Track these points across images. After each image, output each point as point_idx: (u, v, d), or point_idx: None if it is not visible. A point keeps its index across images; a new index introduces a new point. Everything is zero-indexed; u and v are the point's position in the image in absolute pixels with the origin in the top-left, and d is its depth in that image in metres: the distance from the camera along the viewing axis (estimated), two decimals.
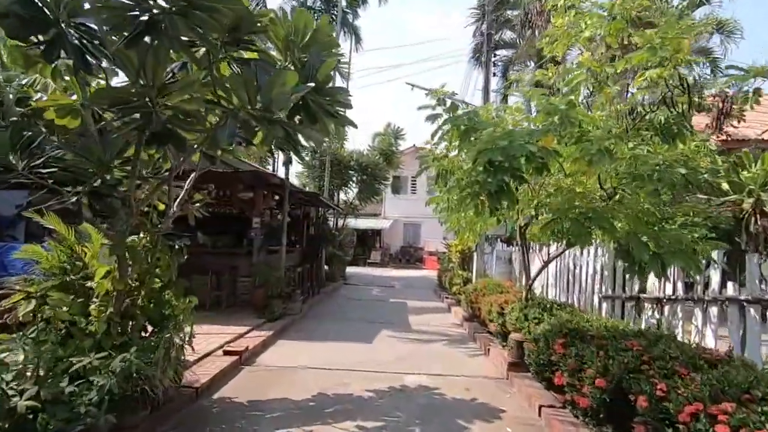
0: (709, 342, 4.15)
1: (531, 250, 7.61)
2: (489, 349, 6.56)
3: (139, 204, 3.48)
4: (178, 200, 4.30)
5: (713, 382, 2.66)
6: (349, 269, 19.76)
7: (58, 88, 3.70)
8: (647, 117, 3.51)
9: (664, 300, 4.62)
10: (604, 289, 5.90)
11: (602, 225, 3.56)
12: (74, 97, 3.53)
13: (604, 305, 5.86)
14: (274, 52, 3.82)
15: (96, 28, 2.81)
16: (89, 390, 2.92)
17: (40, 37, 2.84)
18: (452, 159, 5.27)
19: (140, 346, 3.55)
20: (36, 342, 3.19)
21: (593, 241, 3.97)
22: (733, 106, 5.85)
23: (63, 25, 2.72)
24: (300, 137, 3.71)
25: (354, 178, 17.77)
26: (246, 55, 3.38)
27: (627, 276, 5.29)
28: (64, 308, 3.50)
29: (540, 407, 4.16)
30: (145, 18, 2.62)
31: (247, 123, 2.81)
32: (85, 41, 2.94)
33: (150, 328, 4.07)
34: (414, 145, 25.55)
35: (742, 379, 2.64)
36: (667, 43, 3.06)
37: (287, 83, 2.73)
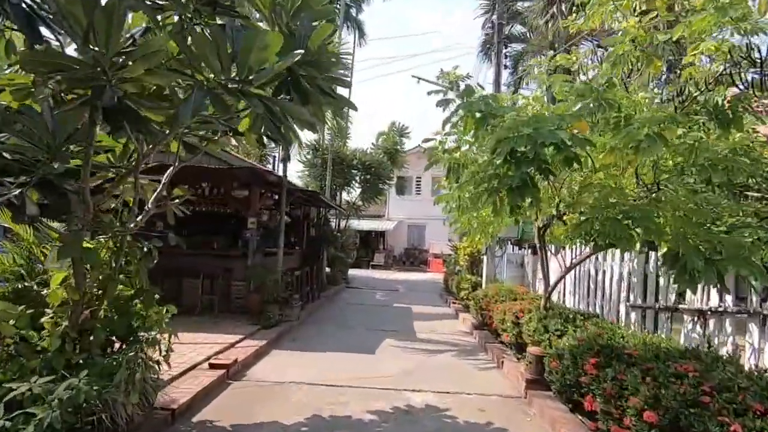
0: None
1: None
2: (502, 362, 5.99)
3: (100, 199, 2.95)
4: (154, 196, 3.79)
5: None
6: (352, 272, 19.20)
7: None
8: (700, 99, 2.94)
9: (709, 312, 4.03)
10: (632, 298, 5.31)
11: (647, 226, 2.99)
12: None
13: (633, 315, 5.27)
14: (261, 24, 3.30)
15: None
16: (26, 425, 2.39)
17: None
18: (465, 152, 4.72)
19: (102, 366, 3.03)
20: None
21: (636, 244, 3.41)
22: None
23: None
24: (291, 122, 3.17)
25: (357, 178, 17.19)
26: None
27: (662, 283, 4.70)
28: (11, 321, 2.97)
29: None
30: None
31: (219, 97, 2.28)
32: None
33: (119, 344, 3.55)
34: (419, 145, 24.96)
35: None
36: (737, 2, 2.48)
37: (269, 48, 2.19)
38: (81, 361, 3.07)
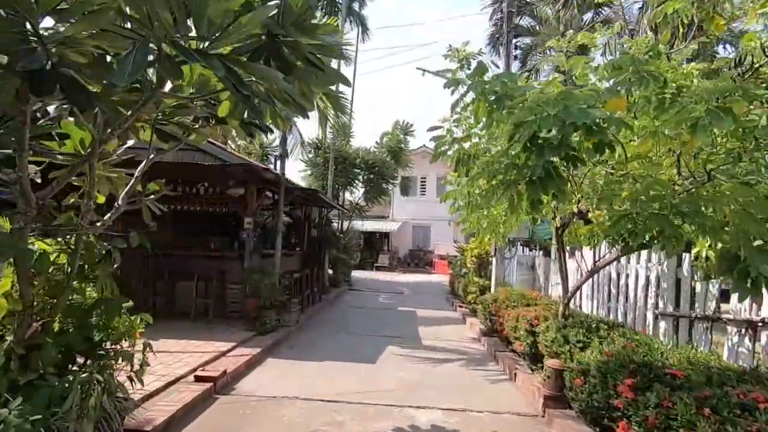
0: None
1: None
2: (515, 374, 5.48)
3: (47, 192, 2.49)
4: (125, 191, 3.33)
5: None
6: (355, 273, 18.73)
7: None
8: (763, 70, 2.45)
9: (761, 323, 3.51)
10: (661, 305, 4.78)
11: (702, 222, 2.49)
12: None
13: (662, 324, 4.75)
14: None
15: None
16: None
17: None
18: (476, 143, 4.23)
19: (52, 389, 2.57)
20: None
21: (683, 244, 2.91)
22: None
23: None
24: (277, 104, 2.69)
25: (360, 177, 16.70)
26: None
27: (698, 289, 4.17)
28: None
29: None
30: None
31: (170, 58, 1.81)
32: None
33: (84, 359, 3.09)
34: (424, 145, 24.48)
35: None
36: None
37: None
38: (30, 382, 2.62)
